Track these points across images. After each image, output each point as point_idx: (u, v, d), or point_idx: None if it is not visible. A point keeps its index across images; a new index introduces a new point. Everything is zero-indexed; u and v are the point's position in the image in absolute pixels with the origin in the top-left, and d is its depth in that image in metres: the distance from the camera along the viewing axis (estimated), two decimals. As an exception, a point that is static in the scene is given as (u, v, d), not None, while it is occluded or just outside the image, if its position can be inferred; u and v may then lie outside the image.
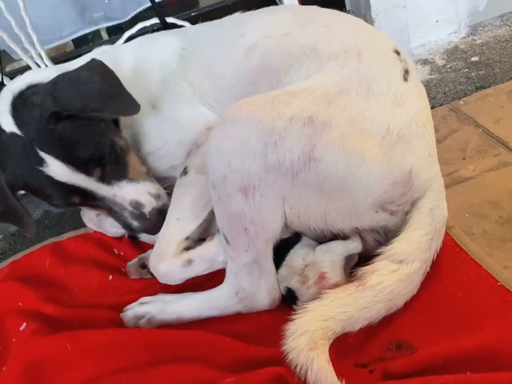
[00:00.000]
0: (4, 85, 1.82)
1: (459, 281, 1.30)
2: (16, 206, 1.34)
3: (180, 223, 1.41)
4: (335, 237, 1.34)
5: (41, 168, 1.25)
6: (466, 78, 2.13)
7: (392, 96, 1.27)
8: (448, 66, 2.21)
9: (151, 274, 1.52)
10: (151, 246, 1.58)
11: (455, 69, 2.19)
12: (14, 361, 1.37)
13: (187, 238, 1.42)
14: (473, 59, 2.23)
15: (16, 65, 2.43)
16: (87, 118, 1.28)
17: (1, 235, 2.10)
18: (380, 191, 1.23)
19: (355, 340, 1.24)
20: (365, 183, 1.21)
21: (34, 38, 1.93)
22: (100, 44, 1.62)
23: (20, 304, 1.53)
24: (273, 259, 1.33)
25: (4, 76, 1.92)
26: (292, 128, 1.17)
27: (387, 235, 1.33)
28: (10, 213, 1.35)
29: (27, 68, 2.01)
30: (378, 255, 1.27)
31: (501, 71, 2.11)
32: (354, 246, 1.34)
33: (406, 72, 1.33)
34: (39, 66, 1.98)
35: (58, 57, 2.43)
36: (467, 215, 1.37)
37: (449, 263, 1.33)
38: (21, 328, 1.45)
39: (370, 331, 1.25)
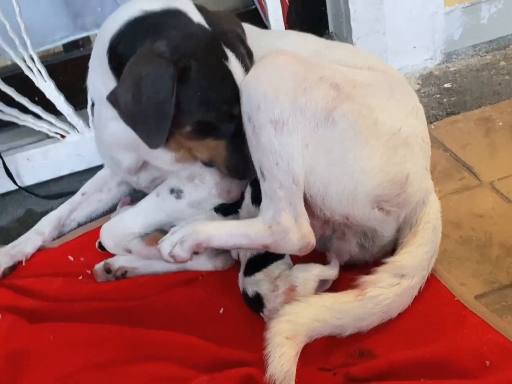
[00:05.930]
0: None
1: (421, 295, 1.39)
2: (169, 102, 1.26)
3: (143, 219, 1.56)
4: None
5: (225, 62, 1.32)
6: (438, 104, 2.23)
7: (410, 108, 1.44)
8: (422, 91, 2.32)
9: (116, 278, 1.61)
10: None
11: (428, 94, 2.30)
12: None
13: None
14: (446, 85, 2.34)
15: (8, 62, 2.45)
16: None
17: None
18: (377, 182, 1.31)
19: (320, 347, 1.31)
20: (364, 166, 1.30)
21: (28, 42, 1.97)
22: (90, 50, 1.54)
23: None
24: (254, 265, 1.41)
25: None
26: (320, 85, 1.30)
27: (374, 241, 1.41)
28: (151, 111, 1.27)
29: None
30: (380, 264, 1.34)
31: (471, 99, 2.22)
32: (330, 272, 1.41)
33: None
34: (30, 69, 2.03)
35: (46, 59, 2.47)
36: (430, 234, 1.46)
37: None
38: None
39: (336, 340, 1.31)
